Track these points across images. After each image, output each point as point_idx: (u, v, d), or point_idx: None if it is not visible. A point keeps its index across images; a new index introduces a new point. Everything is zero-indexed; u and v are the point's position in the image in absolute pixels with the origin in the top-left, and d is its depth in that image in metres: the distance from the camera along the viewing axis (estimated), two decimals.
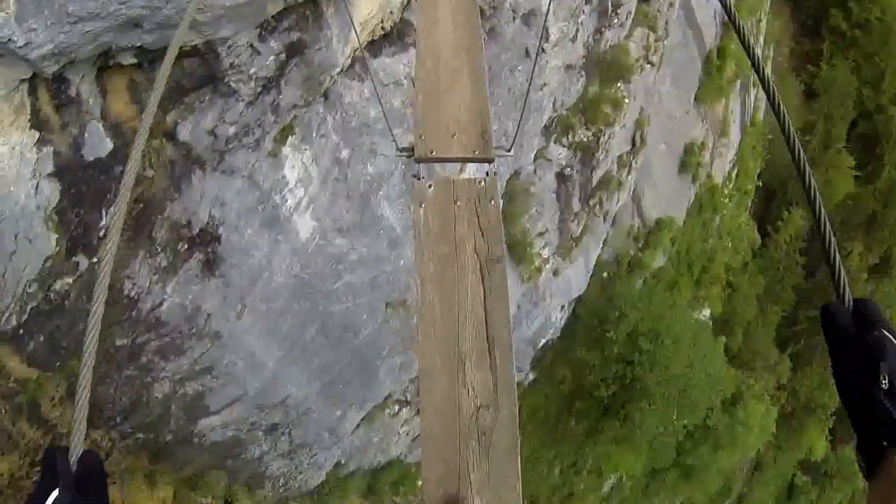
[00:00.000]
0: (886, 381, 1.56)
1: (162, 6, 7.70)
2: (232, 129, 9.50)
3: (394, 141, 5.17)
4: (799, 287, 34.20)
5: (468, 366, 3.78)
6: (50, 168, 8.18)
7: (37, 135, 8.01)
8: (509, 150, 5.18)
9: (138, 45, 8.10)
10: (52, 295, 8.66)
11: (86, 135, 8.40)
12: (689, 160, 23.57)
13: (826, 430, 36.19)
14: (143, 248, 9.32)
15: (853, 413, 1.69)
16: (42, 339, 8.83)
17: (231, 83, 9.16)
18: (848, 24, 37.76)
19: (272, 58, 9.29)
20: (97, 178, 8.62)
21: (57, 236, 8.44)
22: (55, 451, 1.93)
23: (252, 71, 9.19)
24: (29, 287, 8.42)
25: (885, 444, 1.55)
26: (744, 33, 2.66)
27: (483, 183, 4.28)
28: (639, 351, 19.90)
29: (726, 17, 20.47)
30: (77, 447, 1.98)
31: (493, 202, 4.22)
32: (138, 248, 9.29)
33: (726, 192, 27.65)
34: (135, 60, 8.45)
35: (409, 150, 4.70)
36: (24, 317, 8.53)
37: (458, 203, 4.20)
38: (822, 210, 2.36)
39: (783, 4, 38.02)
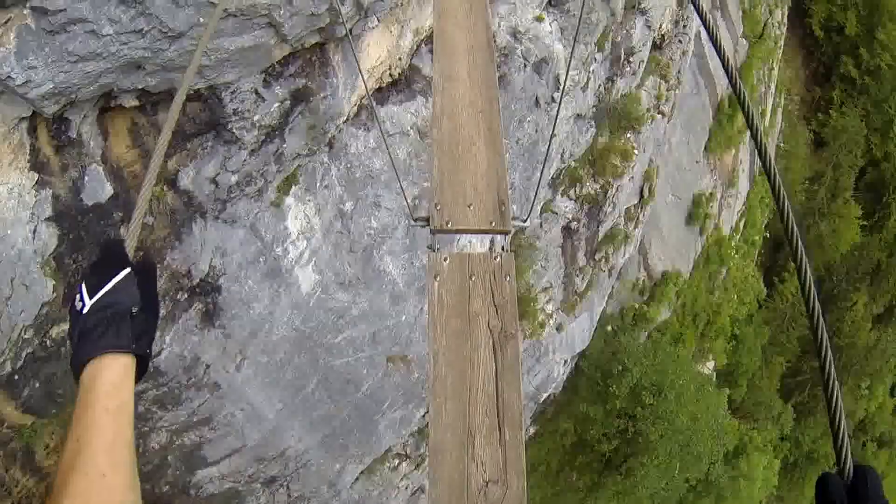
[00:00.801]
0: None
1: (165, 48, 7.48)
2: (234, 178, 9.26)
3: (409, 213, 5.05)
4: (804, 337, 33.91)
5: (478, 440, 3.76)
6: (48, 212, 7.91)
7: (36, 176, 7.75)
8: (525, 221, 5.00)
9: (141, 87, 7.88)
10: (48, 342, 8.37)
11: (86, 178, 8.14)
12: (697, 212, 23.40)
13: None
14: None
15: None
16: (37, 385, 8.55)
17: (234, 130, 8.91)
18: (859, 70, 37.96)
19: (276, 105, 9.05)
20: (97, 224, 8.36)
21: (54, 283, 8.16)
22: (118, 241, 2.09)
23: (256, 118, 8.94)
24: (25, 333, 8.12)
25: None
26: (744, 98, 2.57)
27: (499, 259, 4.19)
28: (642, 405, 19.65)
29: (738, 65, 20.38)
30: (133, 242, 2.17)
31: (508, 278, 4.13)
32: None
33: (733, 243, 27.48)
34: (137, 103, 8.23)
35: (425, 220, 4.53)
36: (20, 363, 8.25)
37: (474, 278, 4.11)
38: (832, 366, 2.11)
39: (795, 51, 38.16)
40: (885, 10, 37.09)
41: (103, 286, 1.97)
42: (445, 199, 4.53)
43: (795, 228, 2.32)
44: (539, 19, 13.38)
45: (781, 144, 35.06)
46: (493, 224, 4.42)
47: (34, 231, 7.84)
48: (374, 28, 9.63)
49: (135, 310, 1.97)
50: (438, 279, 4.09)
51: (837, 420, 2.07)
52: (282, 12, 7.93)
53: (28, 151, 7.67)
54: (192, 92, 8.32)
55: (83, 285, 2.04)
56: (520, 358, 4.00)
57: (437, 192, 4.60)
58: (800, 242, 2.29)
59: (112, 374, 1.87)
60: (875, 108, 37.85)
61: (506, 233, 4.47)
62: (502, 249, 4.28)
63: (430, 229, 4.43)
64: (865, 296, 35.81)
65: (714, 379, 26.92)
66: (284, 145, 9.42)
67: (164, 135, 2.78)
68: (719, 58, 2.85)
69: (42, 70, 6.79)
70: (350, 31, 9.12)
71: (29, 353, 8.24)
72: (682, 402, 19.99)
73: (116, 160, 8.41)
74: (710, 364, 27.11)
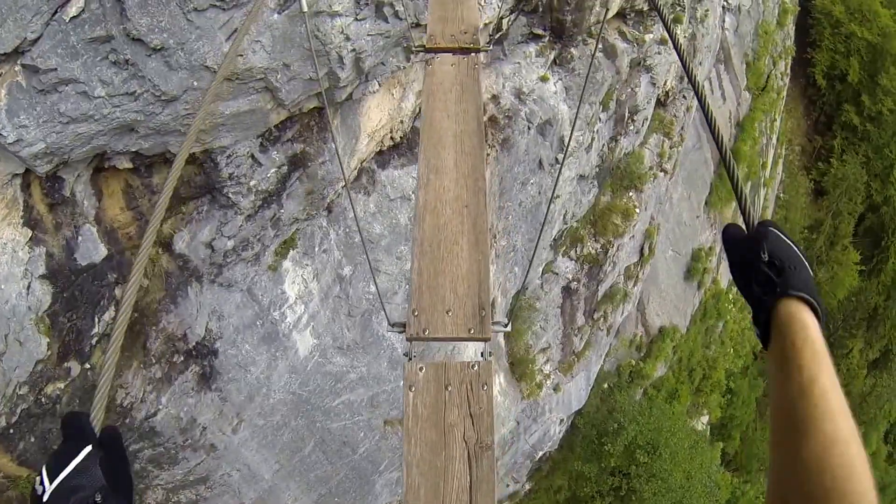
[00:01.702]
0: (766, 255, 1.85)
1: (158, 112, 7.28)
2: (230, 243, 9.03)
3: (386, 317, 4.77)
4: None
5: None
6: (42, 269, 7.73)
7: (29, 233, 7.57)
8: (507, 325, 4.75)
9: (134, 150, 7.69)
10: (43, 399, 8.18)
11: (79, 238, 7.97)
12: (695, 266, 23.22)
13: None
14: (136, 359, 8.88)
15: (744, 289, 1.93)
16: (32, 440, 8.32)
17: (230, 195, 8.68)
18: (860, 117, 37.96)
19: (273, 170, 8.83)
20: (90, 284, 8.19)
21: (48, 340, 7.96)
22: (79, 414, 1.93)
23: (252, 183, 8.72)
24: (19, 389, 7.92)
25: (765, 298, 1.78)
26: (733, 171, 2.63)
27: (476, 367, 3.99)
28: (636, 463, 19.36)
29: (741, 118, 20.28)
30: (99, 413, 2.01)
31: (485, 387, 3.94)
32: (132, 358, 8.85)
33: (731, 296, 27.28)
34: (130, 165, 8.02)
35: (402, 326, 4.28)
36: (14, 418, 8.03)
37: (450, 388, 3.93)
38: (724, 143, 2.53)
39: (797, 101, 38.19)
40: (889, 55, 37.14)
41: (63, 468, 1.79)
42: (423, 305, 4.29)
43: None
44: (544, 79, 13.23)
45: (781, 195, 35.01)
46: (472, 332, 4.19)
47: (28, 287, 7.65)
48: (375, 92, 9.45)
49: (99, 497, 1.77)
50: (413, 390, 3.93)
51: (738, 190, 2.42)
52: (279, 76, 7.74)
53: (21, 208, 7.51)
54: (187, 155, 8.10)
55: (44, 467, 1.82)
56: (495, 469, 3.82)
57: (414, 296, 4.35)
58: None
59: None
60: (876, 153, 37.88)
61: (485, 340, 4.25)
62: (481, 356, 4.09)
63: (406, 337, 4.21)
64: (861, 342, 35.66)
65: (708, 433, 26.65)
66: (282, 210, 9.20)
67: (156, 215, 2.69)
68: (714, 141, 2.83)
69: (34, 130, 6.65)
70: (351, 95, 8.95)
71: (24, 408, 8.08)
72: (677, 461, 19.71)
73: (110, 222, 8.22)
74: (705, 419, 26.84)
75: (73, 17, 6.51)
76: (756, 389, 30.65)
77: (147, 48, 6.75)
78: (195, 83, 7.14)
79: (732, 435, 29.40)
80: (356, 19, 8.00)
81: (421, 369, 3.97)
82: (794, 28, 33.75)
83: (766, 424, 32.26)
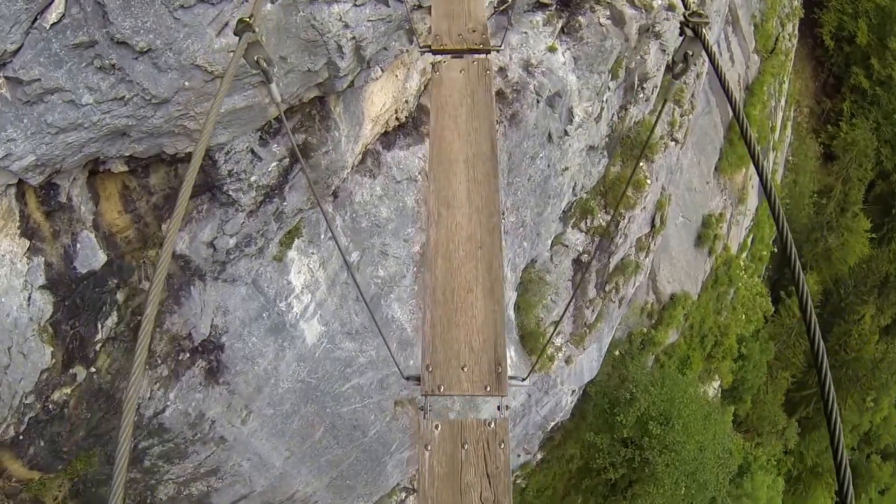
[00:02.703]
0: None
1: (150, 115, 6.91)
2: (232, 241, 8.69)
3: (399, 371, 4.67)
4: (809, 351, 33.24)
5: None
6: (42, 280, 7.47)
7: (27, 243, 7.30)
8: (524, 380, 4.47)
9: (128, 154, 7.33)
10: (50, 405, 8.03)
11: (78, 245, 7.68)
12: (706, 233, 22.78)
13: (833, 494, 35.29)
14: None
15: None
16: (42, 444, 8.20)
17: (230, 192, 8.31)
18: (870, 81, 37.16)
19: (274, 164, 8.43)
20: (91, 291, 7.95)
21: (52, 349, 7.76)
22: None
23: (253, 179, 8.33)
24: (26, 398, 7.74)
25: None
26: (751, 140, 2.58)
27: (493, 425, 3.84)
28: (649, 435, 19.10)
29: (750, 81, 19.73)
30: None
31: (502, 445, 3.80)
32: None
33: (742, 263, 26.86)
34: (126, 168, 7.67)
35: (416, 380, 4.13)
36: (23, 426, 7.88)
37: (466, 447, 3.77)
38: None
39: (805, 62, 37.39)
40: None
41: None
42: (437, 360, 4.08)
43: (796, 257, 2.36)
44: (552, 49, 12.72)
45: (790, 157, 34.39)
46: (489, 388, 4.01)
47: (29, 298, 7.39)
48: (378, 78, 9.01)
49: None
50: (429, 449, 3.78)
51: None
52: (275, 70, 7.31)
53: (18, 217, 7.23)
54: (182, 154, 7.76)
55: None
56: None
57: (428, 350, 4.15)
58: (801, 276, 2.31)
59: None
60: (886, 119, 37.09)
61: (501, 396, 4.06)
62: (497, 410, 3.94)
63: (421, 393, 4.05)
64: (873, 308, 35.12)
65: (720, 396, 26.42)
66: (285, 203, 8.83)
67: (174, 222, 2.60)
68: (729, 104, 2.83)
69: (22, 143, 6.35)
70: (352, 82, 8.51)
71: (32, 416, 7.90)
72: (690, 432, 19.46)
73: (108, 226, 7.93)
74: (716, 384, 26.56)
75: (54, 23, 6.14)
76: (767, 353, 30.33)
77: (133, 51, 6.36)
78: (186, 83, 6.74)
79: (744, 398, 29.18)
80: (355, 5, 7.52)
81: (436, 427, 3.86)
82: None
83: (778, 387, 32.08)
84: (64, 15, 6.26)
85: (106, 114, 6.69)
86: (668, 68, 13.58)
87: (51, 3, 6.18)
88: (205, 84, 6.93)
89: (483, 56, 5.22)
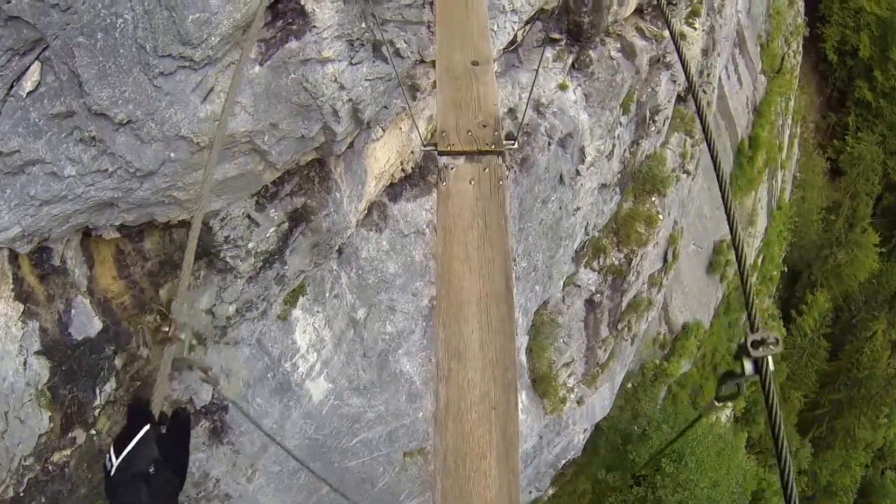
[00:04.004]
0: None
1: (136, 188, 6.26)
2: (232, 308, 8.05)
3: None
4: (822, 370, 32.84)
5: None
6: (37, 346, 6.92)
7: (21, 307, 6.75)
8: None
9: (118, 223, 6.73)
10: (50, 466, 7.49)
11: (72, 311, 7.11)
12: (717, 260, 22.13)
13: None
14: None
15: None
16: (44, 501, 7.61)
17: (227, 259, 7.65)
18: (874, 94, 36.78)
19: (273, 229, 7.77)
20: (88, 357, 7.39)
21: (50, 413, 7.21)
22: (139, 400, 2.25)
23: (251, 245, 7.68)
24: (25, 461, 7.20)
25: None
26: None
27: None
28: (662, 473, 18.37)
29: (757, 102, 19.13)
30: (159, 399, 2.33)
31: None
32: None
33: (755, 289, 26.24)
34: (118, 235, 7.06)
35: None
36: (23, 487, 7.32)
37: None
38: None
39: (809, 77, 36.87)
40: None
41: (126, 446, 2.03)
42: None
43: None
44: (563, 87, 12.11)
45: (798, 174, 33.87)
46: None
47: (25, 363, 6.91)
48: (379, 139, 8.39)
49: (152, 469, 2.02)
50: None
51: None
52: (266, 138, 6.63)
53: (11, 280, 6.76)
54: (176, 221, 7.16)
55: (112, 446, 2.07)
56: None
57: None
58: None
59: None
60: (891, 130, 36.72)
61: None
62: None
63: None
64: (885, 323, 34.49)
65: (732, 420, 25.82)
66: (286, 267, 8.17)
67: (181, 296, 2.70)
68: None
69: (6, 214, 5.84)
70: (352, 144, 7.87)
71: (31, 477, 7.41)
72: (703, 469, 18.69)
73: (103, 292, 7.35)
74: (728, 411, 25.92)
75: (31, 91, 5.50)
76: (780, 374, 29.70)
77: (113, 122, 5.70)
78: (172, 154, 6.08)
79: (756, 420, 28.52)
80: (351, 64, 6.78)
81: None
82: (803, 5, 32.40)
83: (790, 408, 31.43)
84: (40, 83, 5.64)
85: (90, 186, 6.07)
86: (680, 98, 12.83)
87: (26, 70, 5.59)
88: (192, 155, 6.30)
89: (496, 161, 4.51)
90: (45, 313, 6.99)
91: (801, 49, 31.71)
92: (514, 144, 4.82)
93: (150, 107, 5.83)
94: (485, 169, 4.43)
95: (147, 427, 2.11)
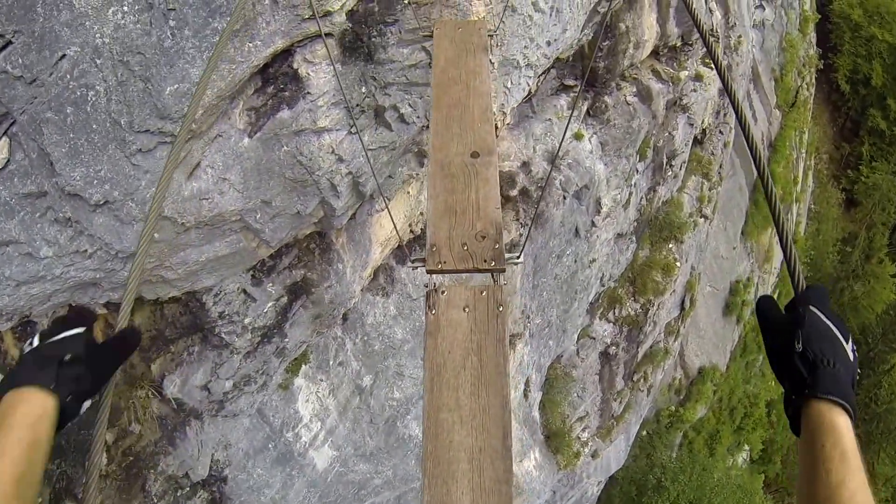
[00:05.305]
0: (800, 345, 1.76)
1: (118, 269, 5.67)
2: (229, 384, 7.40)
3: None
4: None
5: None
6: None
7: None
8: None
9: (103, 301, 6.11)
10: None
11: None
12: (734, 301, 21.36)
13: None
14: (136, 500, 7.50)
15: (779, 377, 1.88)
16: None
17: (223, 335, 7.03)
18: (888, 122, 36.05)
19: (271, 304, 7.13)
20: (77, 433, 7.00)
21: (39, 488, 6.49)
22: (87, 308, 2.08)
23: (247, 321, 7.04)
24: None
25: (793, 396, 1.77)
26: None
27: None
28: None
29: (773, 138, 18.47)
30: (125, 315, 2.25)
31: None
32: (132, 499, 7.46)
33: None
34: (105, 310, 6.45)
35: None
36: None
37: None
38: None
39: (822, 108, 36.20)
40: None
41: (53, 336, 1.95)
42: None
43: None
44: (578, 137, 11.47)
45: (812, 206, 33.13)
46: None
47: None
48: (384, 209, 7.72)
49: (68, 357, 1.90)
50: None
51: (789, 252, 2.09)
52: (258, 216, 5.99)
53: None
54: (166, 298, 6.55)
55: (38, 332, 1.99)
56: None
57: None
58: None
59: (31, 408, 1.79)
60: None
61: None
62: None
63: None
64: None
65: (748, 461, 25.00)
66: (286, 340, 7.53)
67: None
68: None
69: None
70: (354, 216, 7.22)
71: None
72: None
73: None
74: (745, 454, 25.10)
75: (0, 169, 4.96)
76: None
77: (88, 204, 5.10)
78: (155, 235, 5.46)
79: (773, 459, 27.69)
80: (350, 133, 6.16)
81: None
82: (815, 36, 31.76)
83: None
84: (9, 161, 5.13)
85: (69, 266, 5.52)
86: (696, 140, 12.07)
87: None
88: (177, 236, 5.70)
89: (493, 283, 3.74)
90: None
91: (814, 81, 31.05)
92: (518, 259, 4.04)
93: (129, 186, 5.23)
94: (482, 292, 3.65)
95: (81, 329, 1.98)
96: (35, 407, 1.79)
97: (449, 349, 3.42)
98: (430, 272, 3.71)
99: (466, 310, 3.51)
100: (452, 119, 4.72)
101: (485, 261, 3.74)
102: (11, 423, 1.73)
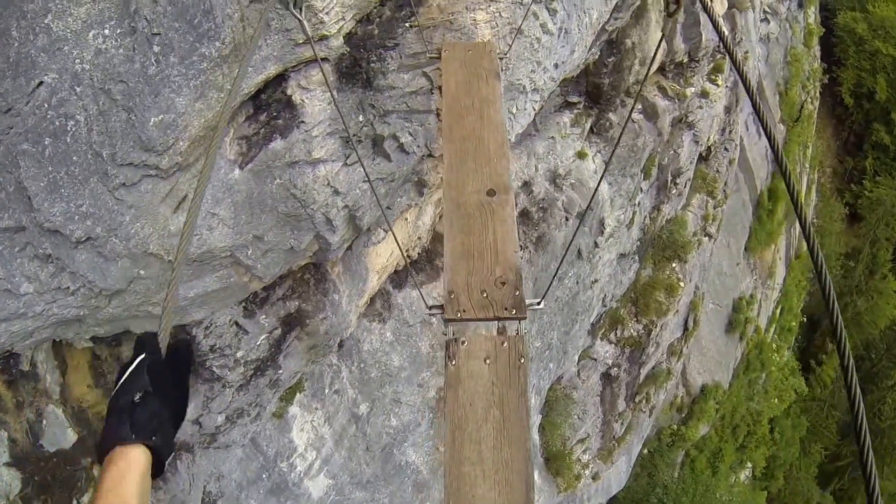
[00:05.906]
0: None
1: (103, 305, 5.35)
2: (221, 417, 7.13)
3: None
4: (843, 421, 31.71)
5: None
6: (6, 457, 6.08)
7: None
8: None
9: (89, 336, 5.82)
10: None
11: (43, 422, 6.31)
12: (737, 318, 21.06)
13: None
14: None
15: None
16: None
17: (214, 369, 6.74)
18: (891, 137, 35.81)
19: (264, 336, 6.85)
20: (63, 469, 6.58)
21: None
22: (145, 334, 2.10)
23: (239, 354, 6.75)
24: None
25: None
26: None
27: None
28: None
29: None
30: (165, 333, 2.14)
31: None
32: None
33: (774, 345, 25.09)
34: (90, 344, 6.17)
35: None
36: None
37: None
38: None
39: (825, 121, 35.95)
40: None
41: (123, 374, 1.95)
42: None
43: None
44: (581, 155, 11.19)
45: (815, 220, 32.85)
46: None
47: None
48: (380, 241, 7.44)
49: (137, 397, 1.89)
50: None
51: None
52: (249, 252, 5.67)
53: None
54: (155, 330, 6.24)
55: (119, 373, 1.99)
56: None
57: None
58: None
59: (116, 470, 1.78)
60: None
61: None
62: None
63: None
64: None
65: (751, 478, 24.73)
66: (280, 371, 7.24)
67: None
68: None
69: None
70: (350, 247, 6.93)
71: None
72: None
73: (77, 401, 6.52)
74: (748, 471, 24.78)
75: None
76: (800, 429, 28.59)
77: (69, 240, 4.80)
78: (142, 272, 5.15)
79: (776, 475, 27.38)
80: (346, 164, 5.85)
81: None
82: (819, 49, 31.51)
83: (811, 460, 30.22)
84: None
85: (51, 303, 5.18)
86: (701, 157, 11.75)
87: None
88: (164, 272, 5.39)
89: (515, 332, 3.55)
90: (14, 422, 6.18)
91: (818, 94, 30.80)
92: (539, 304, 3.83)
93: (113, 221, 4.92)
94: (503, 343, 3.50)
95: (141, 356, 1.97)
96: (120, 468, 1.77)
97: (470, 401, 3.35)
98: (448, 321, 3.57)
99: (487, 361, 3.42)
100: (467, 153, 4.50)
101: (505, 308, 3.63)
102: (101, 491, 1.74)
